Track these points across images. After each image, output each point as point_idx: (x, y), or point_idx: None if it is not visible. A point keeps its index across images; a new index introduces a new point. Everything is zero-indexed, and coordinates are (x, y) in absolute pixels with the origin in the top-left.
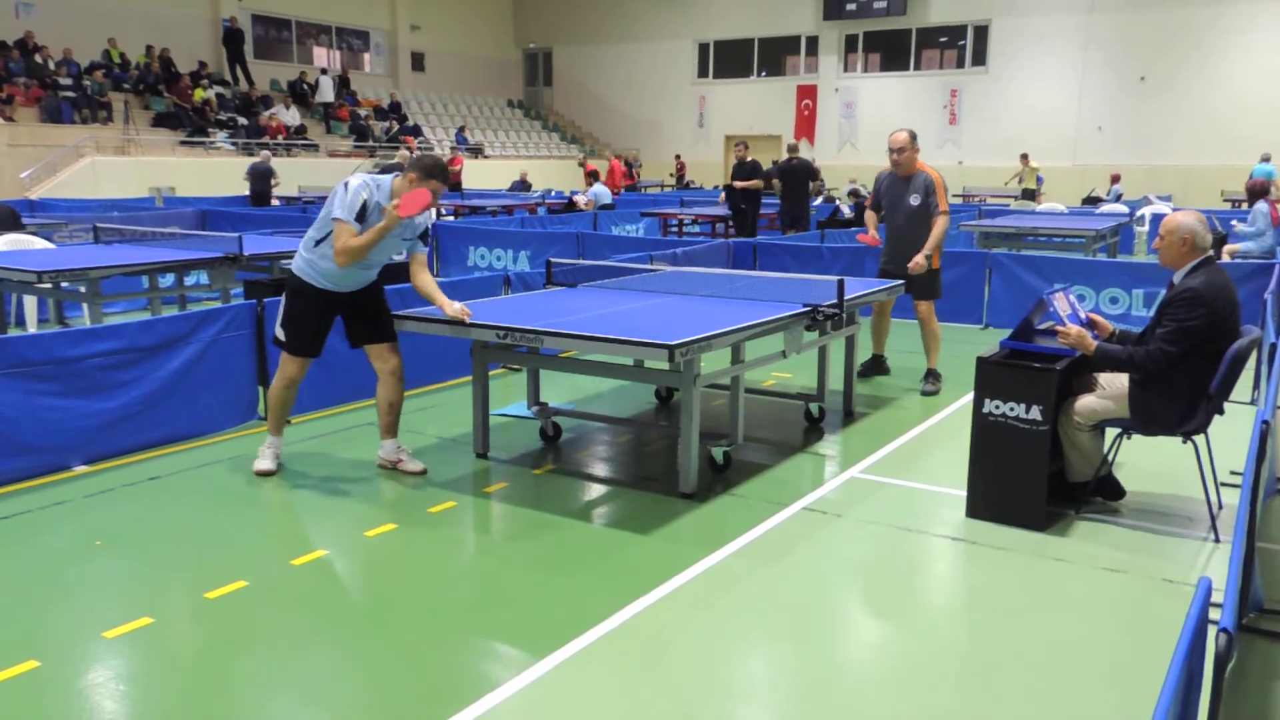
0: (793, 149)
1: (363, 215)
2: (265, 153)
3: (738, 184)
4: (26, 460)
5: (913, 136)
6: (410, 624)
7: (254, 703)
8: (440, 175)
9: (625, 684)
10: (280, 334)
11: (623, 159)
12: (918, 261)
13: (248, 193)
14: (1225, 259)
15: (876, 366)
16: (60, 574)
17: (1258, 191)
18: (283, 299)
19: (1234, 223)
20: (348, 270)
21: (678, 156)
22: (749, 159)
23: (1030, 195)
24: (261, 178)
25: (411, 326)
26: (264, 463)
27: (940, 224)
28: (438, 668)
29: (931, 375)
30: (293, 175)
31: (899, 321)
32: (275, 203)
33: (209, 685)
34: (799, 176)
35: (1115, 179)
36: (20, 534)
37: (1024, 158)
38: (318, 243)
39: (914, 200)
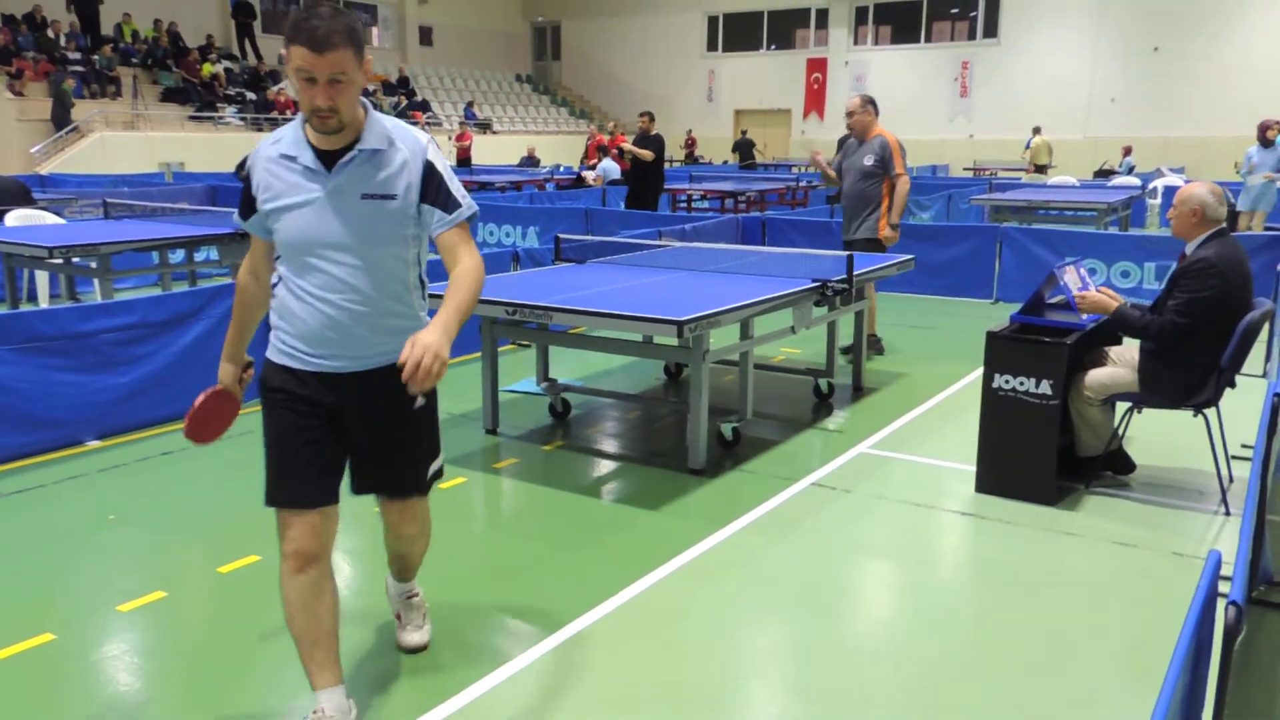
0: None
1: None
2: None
3: (628, 148)
4: (40, 435)
5: (865, 100)
6: None
7: (266, 675)
8: (295, 34)
9: (634, 659)
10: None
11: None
12: (887, 235)
13: None
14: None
15: (870, 347)
16: (74, 548)
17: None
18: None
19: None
20: None
21: (689, 132)
22: (653, 132)
23: (1041, 170)
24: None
25: None
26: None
27: (899, 187)
28: (448, 642)
29: (872, 339)
30: None
31: (900, 296)
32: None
33: (222, 658)
34: None
35: (1127, 151)
36: (35, 508)
37: (1036, 130)
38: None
39: (867, 161)
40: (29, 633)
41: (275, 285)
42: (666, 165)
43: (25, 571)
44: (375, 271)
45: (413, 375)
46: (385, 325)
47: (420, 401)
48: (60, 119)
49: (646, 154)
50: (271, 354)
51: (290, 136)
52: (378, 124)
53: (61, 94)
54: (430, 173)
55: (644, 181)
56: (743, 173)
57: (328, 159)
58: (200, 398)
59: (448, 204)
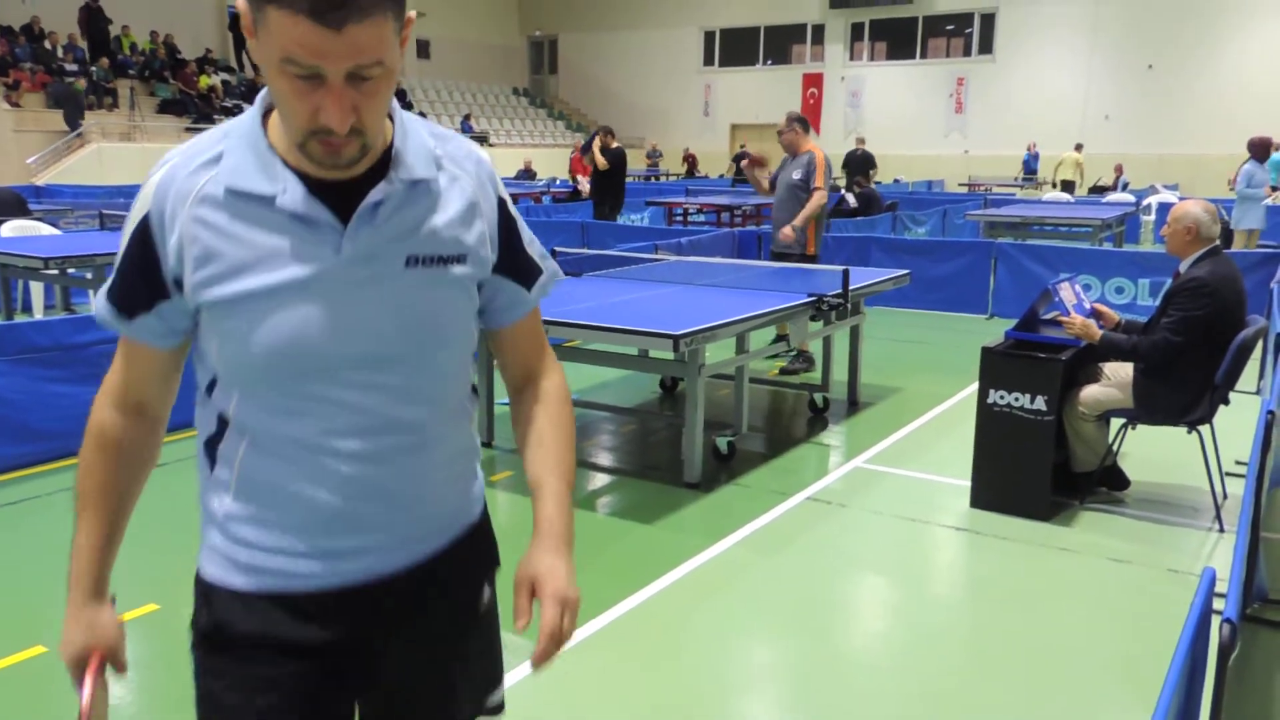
0: (860, 141)
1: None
2: None
3: (595, 152)
4: (34, 446)
5: (792, 119)
6: None
7: None
8: None
9: (629, 673)
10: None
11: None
12: (785, 233)
13: None
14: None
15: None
16: (67, 560)
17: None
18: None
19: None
20: None
21: (687, 149)
22: (613, 145)
23: (1068, 188)
24: None
25: None
26: None
27: (813, 199)
28: None
29: (804, 354)
30: None
31: (896, 311)
32: None
33: None
34: (861, 166)
35: (1119, 169)
36: (29, 519)
37: (1078, 147)
38: None
39: (794, 175)
40: (21, 645)
41: (217, 442)
42: (664, 179)
43: (18, 583)
44: (434, 388)
45: (552, 652)
46: (444, 475)
47: (487, 594)
48: (73, 119)
49: (603, 161)
50: (226, 573)
51: (242, 154)
52: (415, 134)
53: (74, 94)
54: (506, 218)
55: (605, 192)
56: (737, 186)
57: (336, 199)
58: (86, 694)
59: (530, 271)
